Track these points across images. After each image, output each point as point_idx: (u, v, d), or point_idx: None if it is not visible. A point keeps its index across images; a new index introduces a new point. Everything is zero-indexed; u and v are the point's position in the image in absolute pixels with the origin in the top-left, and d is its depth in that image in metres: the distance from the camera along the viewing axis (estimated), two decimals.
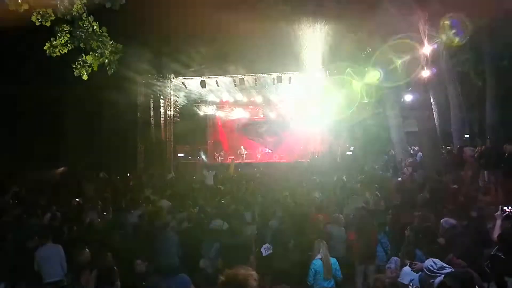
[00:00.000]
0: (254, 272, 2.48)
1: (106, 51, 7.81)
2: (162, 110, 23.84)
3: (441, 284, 3.60)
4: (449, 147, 15.01)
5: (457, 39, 13.21)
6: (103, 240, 6.59)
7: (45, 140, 16.49)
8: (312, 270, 5.96)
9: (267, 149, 27.62)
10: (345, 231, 7.66)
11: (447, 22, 12.98)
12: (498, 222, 5.66)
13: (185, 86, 23.41)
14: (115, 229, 7.30)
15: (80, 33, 7.40)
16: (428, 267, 4.50)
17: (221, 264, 6.42)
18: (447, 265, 4.46)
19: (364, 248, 6.98)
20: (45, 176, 16.23)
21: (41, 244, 6.29)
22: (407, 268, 5.30)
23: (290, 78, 22.02)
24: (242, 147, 26.95)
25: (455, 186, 10.04)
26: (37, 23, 7.08)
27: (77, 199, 10.41)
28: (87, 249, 5.68)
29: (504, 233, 5.48)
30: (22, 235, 7.02)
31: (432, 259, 4.59)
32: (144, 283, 5.27)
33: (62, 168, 18.91)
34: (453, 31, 13.11)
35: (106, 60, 7.89)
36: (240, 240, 6.63)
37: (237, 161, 24.27)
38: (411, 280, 5.12)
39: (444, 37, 13.28)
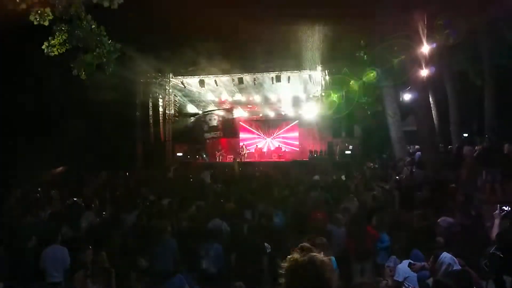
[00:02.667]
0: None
1: (104, 50, 7.80)
2: (161, 109, 23.84)
3: (439, 283, 3.59)
4: (450, 147, 15.02)
5: (451, 39, 13.21)
6: (101, 240, 6.58)
7: (43, 140, 16.44)
8: None
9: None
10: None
11: (440, 22, 12.98)
12: (497, 221, 5.66)
13: (183, 85, 23.39)
14: (113, 229, 7.27)
15: (78, 32, 7.38)
16: (447, 262, 4.46)
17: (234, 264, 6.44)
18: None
19: (358, 247, 6.97)
20: (43, 175, 16.20)
21: (48, 244, 6.27)
22: (402, 266, 5.30)
23: (289, 77, 22.02)
24: (243, 146, 26.96)
25: (453, 185, 10.04)
26: (35, 23, 7.06)
27: (75, 199, 10.38)
28: (90, 248, 5.68)
29: (502, 232, 5.49)
30: (22, 235, 7.02)
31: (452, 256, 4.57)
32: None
33: (61, 168, 18.88)
34: (448, 31, 13.12)
35: (105, 59, 7.88)
36: (251, 241, 6.63)
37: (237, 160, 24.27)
38: (406, 278, 5.13)
39: (439, 37, 13.28)
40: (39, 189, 11.86)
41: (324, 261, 1.92)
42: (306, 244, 2.09)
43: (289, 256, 1.97)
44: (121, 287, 5.16)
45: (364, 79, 19.19)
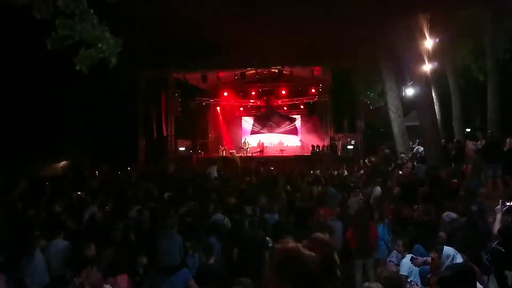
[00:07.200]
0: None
1: (107, 45, 7.79)
2: (163, 103, 23.84)
3: (441, 277, 3.60)
4: (450, 143, 14.97)
5: None
6: (105, 234, 6.61)
7: (47, 134, 16.50)
8: None
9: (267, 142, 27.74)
10: (344, 225, 7.68)
11: None
12: (499, 216, 5.66)
13: (186, 80, 23.40)
14: (116, 223, 7.29)
15: (80, 27, 7.36)
16: (452, 255, 4.48)
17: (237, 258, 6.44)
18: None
19: (361, 242, 6.97)
20: (47, 170, 16.27)
21: (51, 238, 6.29)
22: (405, 260, 5.33)
23: (291, 72, 22.02)
24: (246, 140, 26.94)
25: (455, 180, 10.04)
26: (38, 17, 7.05)
27: (79, 193, 10.42)
28: (93, 244, 5.70)
29: (504, 227, 5.49)
30: (26, 229, 7.04)
31: (454, 250, 4.58)
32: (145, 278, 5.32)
33: (64, 162, 18.95)
34: None
35: (107, 54, 7.87)
36: (254, 235, 6.64)
37: (238, 154, 24.28)
38: (410, 272, 5.16)
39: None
40: (47, 183, 11.92)
41: (304, 255, 1.84)
42: (320, 236, 2.06)
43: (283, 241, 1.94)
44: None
45: (367, 73, 19.18)
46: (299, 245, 1.85)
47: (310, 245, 1.92)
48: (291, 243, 1.86)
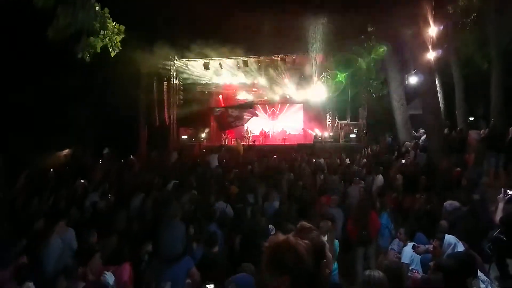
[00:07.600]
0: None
1: (109, 33, 7.77)
2: (165, 92, 23.78)
3: (441, 265, 3.63)
4: (453, 132, 14.95)
5: None
6: (108, 222, 6.65)
7: (48, 125, 16.49)
8: None
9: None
10: (345, 214, 7.70)
11: None
12: (501, 205, 5.68)
13: (188, 68, 23.31)
14: (118, 212, 7.33)
15: (82, 15, 7.33)
16: (453, 243, 4.50)
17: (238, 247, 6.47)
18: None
19: (361, 234, 6.99)
20: (50, 159, 16.29)
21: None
22: (407, 248, 5.36)
23: (294, 59, 21.90)
24: (248, 129, 26.89)
25: (458, 169, 10.04)
26: (40, 5, 7.00)
27: (82, 181, 10.45)
28: (96, 233, 5.74)
29: (506, 216, 5.51)
30: (29, 217, 7.09)
31: (456, 239, 4.60)
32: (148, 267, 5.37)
33: (67, 150, 18.97)
34: None
35: (109, 42, 7.85)
36: (256, 224, 6.66)
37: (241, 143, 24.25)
38: (412, 260, 5.19)
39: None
40: (51, 170, 11.95)
41: (299, 246, 1.81)
42: (305, 224, 2.06)
43: (271, 236, 1.94)
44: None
45: (370, 59, 19.05)
46: (289, 236, 1.84)
47: (299, 234, 1.91)
48: (281, 237, 1.85)
